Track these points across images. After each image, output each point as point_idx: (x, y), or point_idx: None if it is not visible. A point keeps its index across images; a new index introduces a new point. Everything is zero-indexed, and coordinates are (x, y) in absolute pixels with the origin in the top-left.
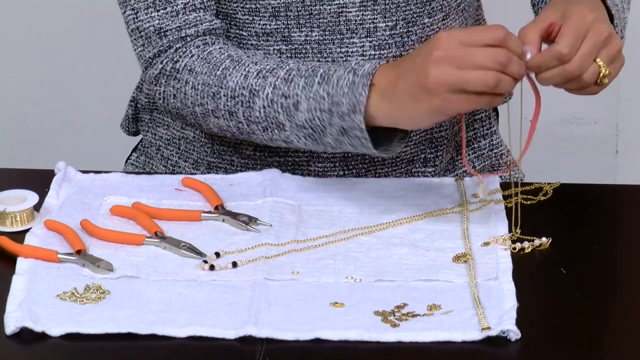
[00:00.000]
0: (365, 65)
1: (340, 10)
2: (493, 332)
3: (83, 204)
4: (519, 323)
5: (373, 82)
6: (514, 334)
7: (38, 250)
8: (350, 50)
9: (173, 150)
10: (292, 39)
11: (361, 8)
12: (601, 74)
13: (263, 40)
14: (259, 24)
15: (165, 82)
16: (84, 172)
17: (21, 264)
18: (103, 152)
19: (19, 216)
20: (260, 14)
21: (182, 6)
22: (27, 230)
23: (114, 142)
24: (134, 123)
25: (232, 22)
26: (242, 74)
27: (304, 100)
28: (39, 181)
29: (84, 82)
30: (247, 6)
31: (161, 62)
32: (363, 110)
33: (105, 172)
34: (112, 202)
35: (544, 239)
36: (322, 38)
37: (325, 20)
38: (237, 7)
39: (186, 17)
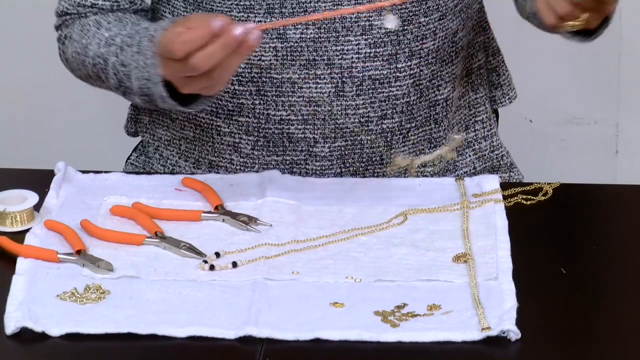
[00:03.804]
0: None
1: (335, 7)
2: (493, 332)
3: (83, 204)
4: (519, 323)
5: None
6: (514, 334)
7: (38, 250)
8: (346, 48)
9: (173, 150)
10: (287, 36)
11: (356, 6)
12: None
13: None
14: (254, 22)
15: (60, 45)
16: (84, 172)
17: (21, 264)
18: (103, 152)
19: (19, 216)
20: (255, 11)
21: (90, 5)
22: (27, 230)
23: (114, 142)
24: (133, 124)
25: None
26: (96, 42)
27: (134, 68)
28: (39, 181)
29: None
30: (242, 3)
31: (60, 30)
32: (160, 81)
33: (105, 172)
34: (112, 202)
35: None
36: (317, 36)
37: None
38: (231, 4)
39: (88, 9)
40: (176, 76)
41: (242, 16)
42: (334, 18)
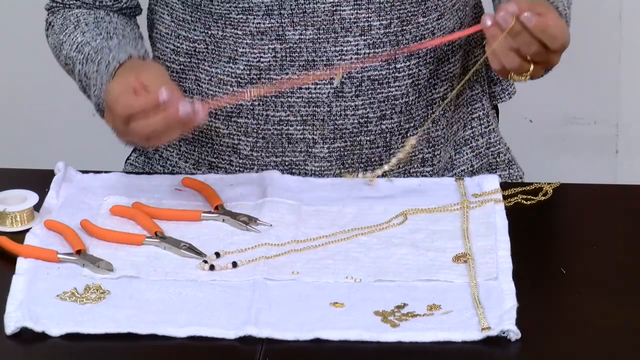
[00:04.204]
0: (111, 67)
1: (334, 8)
2: (493, 332)
3: (83, 204)
4: (519, 323)
5: None
6: (514, 334)
7: (38, 250)
8: (345, 49)
9: (173, 151)
10: (286, 37)
11: (355, 6)
12: None
13: (258, 39)
14: (253, 23)
15: (45, 30)
16: (84, 172)
17: (21, 264)
18: (103, 152)
19: (19, 216)
20: (254, 13)
21: None
22: (27, 230)
23: (114, 142)
24: None
25: (226, 22)
26: (70, 43)
27: (92, 85)
28: (39, 181)
29: None
30: (241, 5)
31: (48, 14)
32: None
33: (105, 172)
34: (112, 202)
35: None
36: (316, 37)
37: (319, 19)
38: (230, 6)
39: (73, 1)
40: (115, 128)
41: (241, 18)
42: (333, 18)
